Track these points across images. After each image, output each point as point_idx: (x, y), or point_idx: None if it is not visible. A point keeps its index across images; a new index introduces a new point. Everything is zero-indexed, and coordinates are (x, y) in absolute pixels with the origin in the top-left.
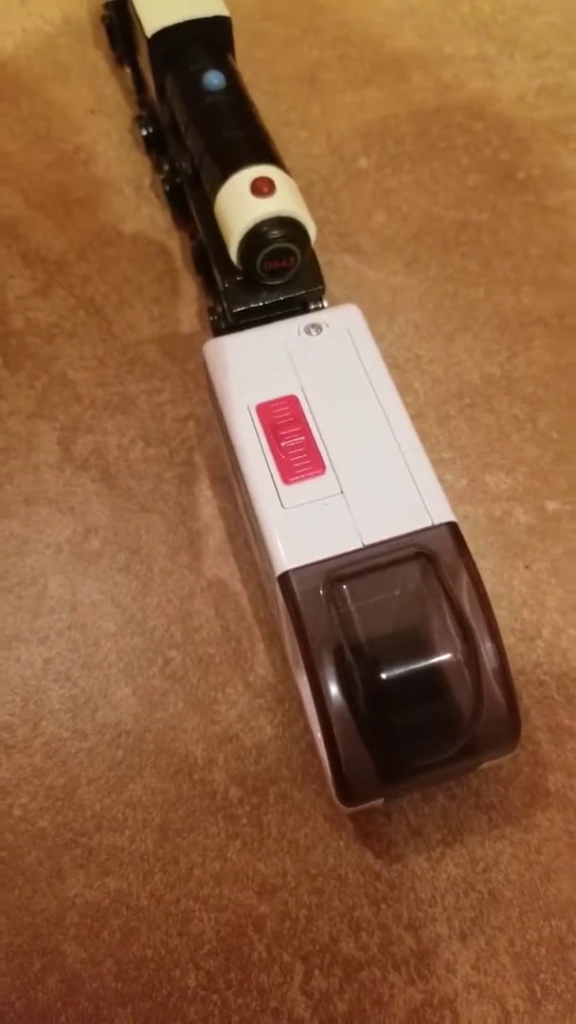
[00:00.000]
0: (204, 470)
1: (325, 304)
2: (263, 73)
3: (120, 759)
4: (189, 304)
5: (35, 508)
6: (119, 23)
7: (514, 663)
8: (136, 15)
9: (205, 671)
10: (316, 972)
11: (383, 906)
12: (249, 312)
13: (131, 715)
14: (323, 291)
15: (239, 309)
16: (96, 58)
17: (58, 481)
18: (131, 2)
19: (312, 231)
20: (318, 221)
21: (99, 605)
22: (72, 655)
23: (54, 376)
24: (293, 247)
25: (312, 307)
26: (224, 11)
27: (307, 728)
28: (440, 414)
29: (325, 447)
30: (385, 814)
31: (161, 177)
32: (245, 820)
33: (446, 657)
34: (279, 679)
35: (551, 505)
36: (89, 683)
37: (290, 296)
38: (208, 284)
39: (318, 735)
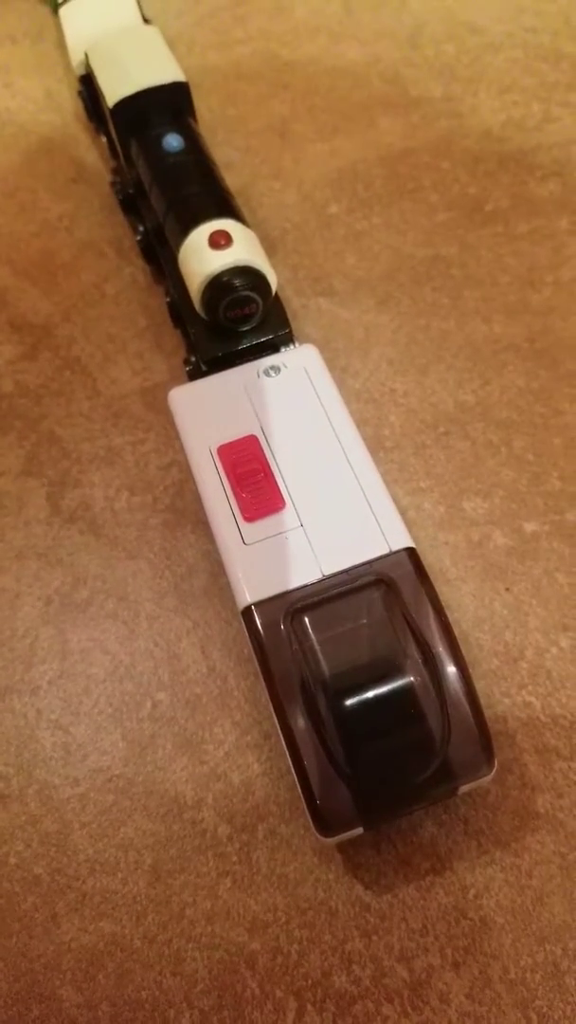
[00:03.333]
0: (187, 515)
1: (295, 346)
2: (237, 130)
3: (111, 803)
4: (170, 356)
5: (26, 563)
6: (89, 95)
7: (498, 685)
8: (99, 87)
9: (192, 711)
10: (309, 1007)
11: (374, 938)
12: (220, 359)
13: (121, 759)
14: (290, 334)
15: (210, 357)
16: (77, 129)
17: (47, 535)
18: (95, 75)
19: (272, 278)
20: (292, 267)
21: (88, 653)
22: (63, 704)
23: (42, 434)
24: (253, 294)
25: (282, 350)
26: (180, 77)
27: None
28: (416, 444)
29: (285, 483)
30: (373, 845)
31: (137, 238)
32: (235, 858)
33: (410, 682)
34: (264, 716)
35: (529, 526)
36: (80, 730)
37: (259, 341)
38: (185, 336)
39: (291, 767)
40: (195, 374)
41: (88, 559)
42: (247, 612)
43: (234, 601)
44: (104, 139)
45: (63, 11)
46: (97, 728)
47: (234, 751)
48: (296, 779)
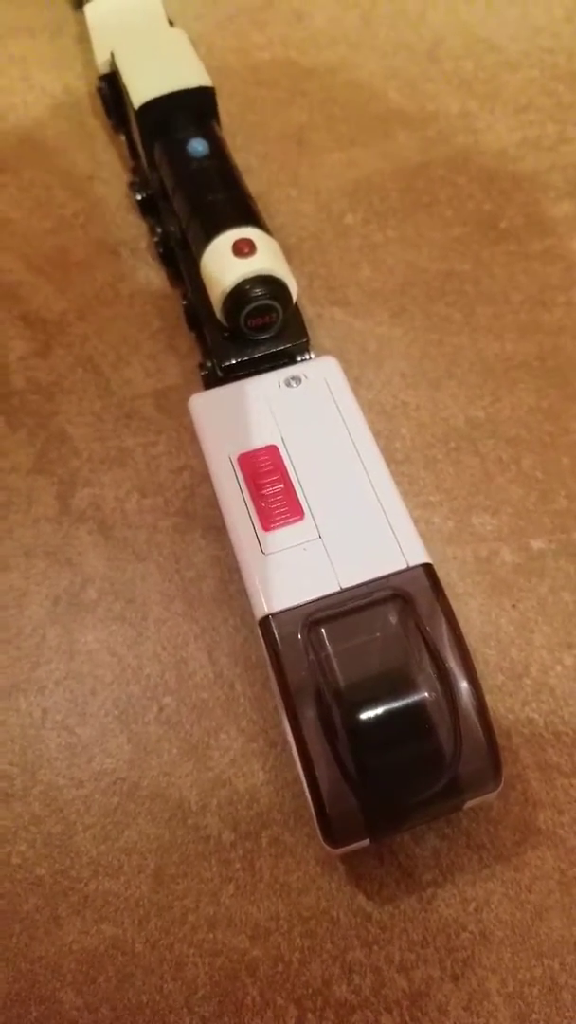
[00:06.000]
0: (197, 519)
1: (311, 356)
2: (255, 135)
3: (116, 806)
4: (184, 359)
5: (34, 561)
6: (112, 95)
7: (503, 701)
8: (125, 87)
9: (199, 717)
10: (309, 1016)
11: (375, 948)
12: (237, 366)
13: (126, 762)
14: (308, 343)
15: (227, 363)
16: (94, 127)
17: (56, 534)
18: (120, 75)
19: (293, 288)
20: (308, 276)
21: (96, 654)
22: (69, 704)
23: (53, 432)
24: (275, 303)
25: (299, 359)
26: (207, 81)
27: (297, 772)
28: (427, 458)
29: (304, 494)
30: (376, 856)
31: (155, 240)
32: (238, 864)
33: (423, 697)
34: (271, 724)
35: (536, 544)
36: (86, 731)
37: (276, 350)
38: (201, 340)
39: (302, 777)
40: (211, 380)
41: (97, 560)
42: (265, 622)
43: (246, 609)
44: (123, 138)
45: (88, 8)
46: (103, 730)
47: (239, 758)
48: (306, 789)
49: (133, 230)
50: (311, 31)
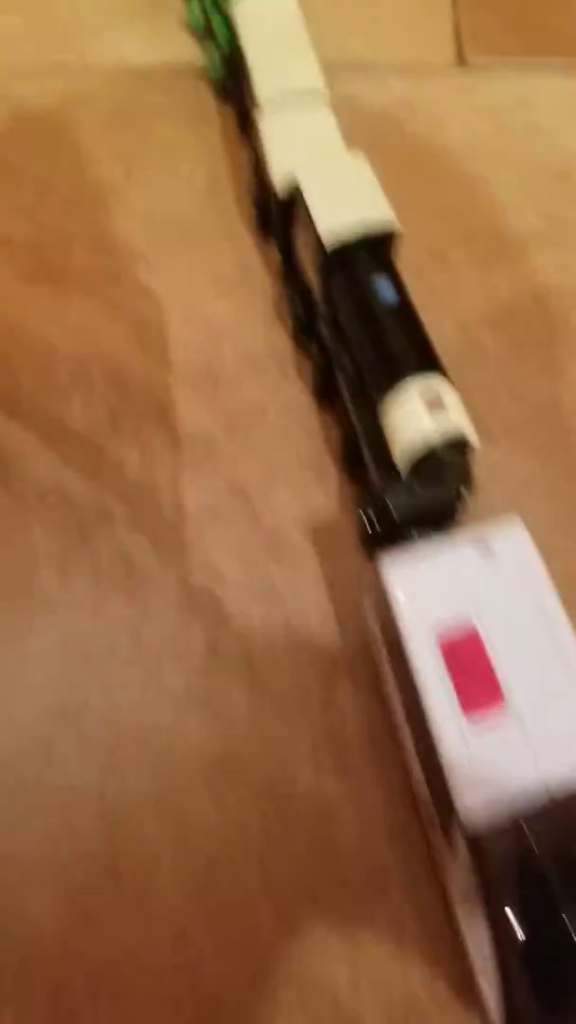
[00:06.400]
0: (346, 669)
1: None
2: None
3: (270, 990)
4: (331, 489)
5: (184, 715)
6: (279, 213)
7: None
8: (312, 219)
9: (350, 900)
10: None
11: None
12: (404, 512)
13: (269, 938)
14: (470, 492)
15: (396, 509)
16: (240, 229)
17: (203, 684)
18: (307, 205)
19: (475, 444)
20: None
21: (245, 821)
22: (213, 862)
23: (199, 562)
24: (459, 462)
25: (458, 505)
26: (395, 226)
27: (464, 965)
28: (571, 614)
29: (506, 681)
30: None
31: (311, 362)
32: None
33: None
34: (416, 909)
35: None
36: (238, 907)
37: (443, 499)
38: (354, 473)
39: (482, 978)
40: (370, 522)
41: (246, 712)
42: (471, 831)
43: (399, 767)
44: (276, 248)
45: (264, 123)
46: (250, 904)
47: (394, 948)
48: (494, 996)
49: (279, 344)
50: (448, 138)
